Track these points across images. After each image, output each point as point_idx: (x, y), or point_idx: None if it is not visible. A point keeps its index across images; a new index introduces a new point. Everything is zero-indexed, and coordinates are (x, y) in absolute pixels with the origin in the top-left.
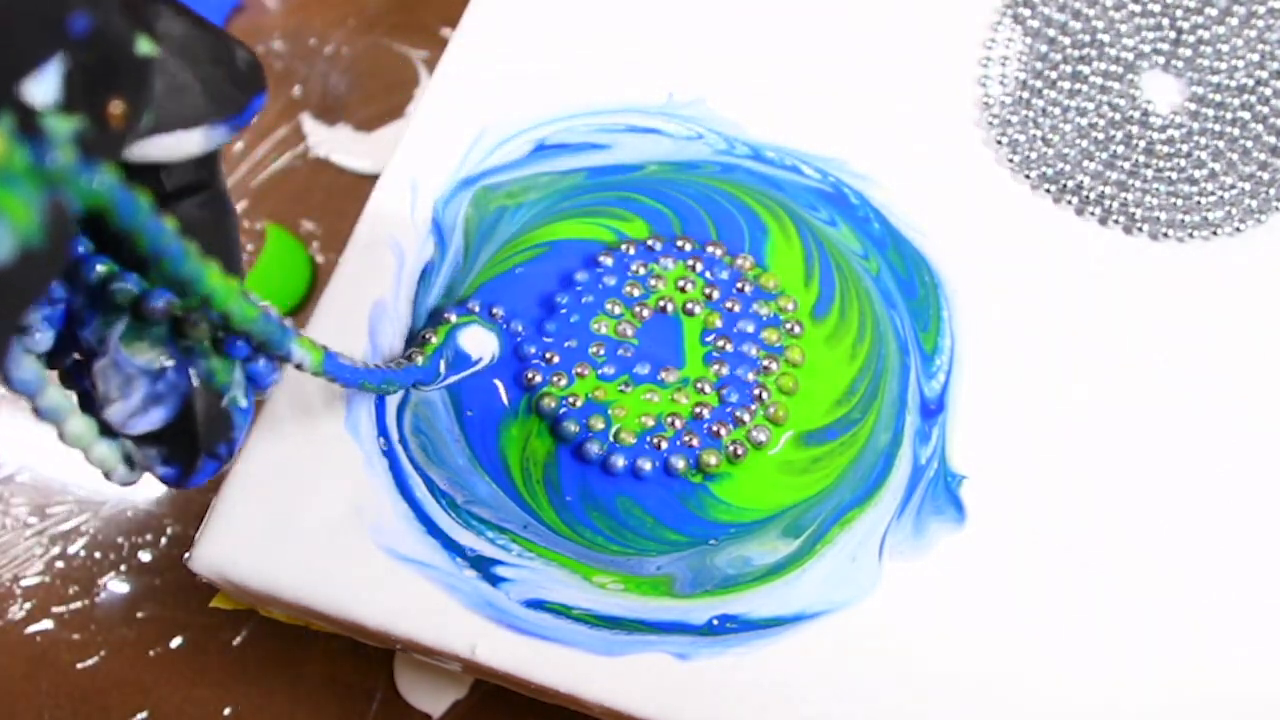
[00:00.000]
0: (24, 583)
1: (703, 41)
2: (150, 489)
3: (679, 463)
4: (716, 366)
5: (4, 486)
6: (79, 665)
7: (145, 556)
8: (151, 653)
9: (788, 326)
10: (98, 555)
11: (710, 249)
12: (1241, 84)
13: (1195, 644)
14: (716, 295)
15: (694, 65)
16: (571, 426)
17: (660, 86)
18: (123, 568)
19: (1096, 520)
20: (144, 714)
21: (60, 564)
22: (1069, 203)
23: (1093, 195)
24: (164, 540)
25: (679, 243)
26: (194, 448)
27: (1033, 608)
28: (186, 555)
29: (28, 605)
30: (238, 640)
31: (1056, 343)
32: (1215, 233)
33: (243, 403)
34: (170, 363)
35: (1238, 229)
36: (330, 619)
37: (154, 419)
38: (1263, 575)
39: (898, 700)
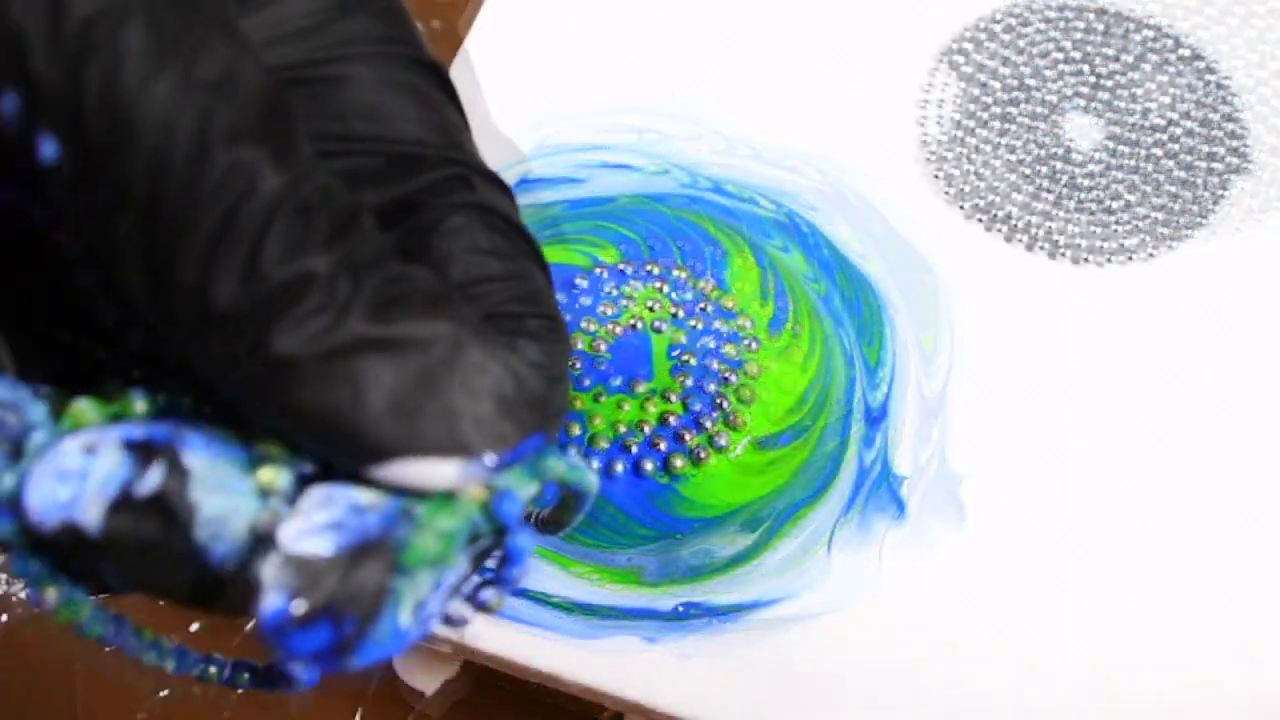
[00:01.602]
0: None
1: (664, 90)
2: None
3: (648, 465)
4: (682, 378)
5: None
6: (106, 648)
7: None
8: (172, 635)
9: (746, 343)
10: None
11: (676, 272)
12: (1154, 124)
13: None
14: (682, 314)
15: (658, 110)
16: None
17: (628, 128)
18: None
19: (1030, 514)
20: (166, 692)
21: None
22: (999, 231)
23: (1020, 224)
24: None
25: (648, 267)
26: (327, 595)
27: (967, 595)
28: None
29: None
30: (250, 625)
31: (988, 356)
32: (1131, 258)
33: (404, 621)
34: (384, 506)
35: (1151, 254)
36: None
37: (317, 544)
38: (1228, 569)
39: (843, 677)
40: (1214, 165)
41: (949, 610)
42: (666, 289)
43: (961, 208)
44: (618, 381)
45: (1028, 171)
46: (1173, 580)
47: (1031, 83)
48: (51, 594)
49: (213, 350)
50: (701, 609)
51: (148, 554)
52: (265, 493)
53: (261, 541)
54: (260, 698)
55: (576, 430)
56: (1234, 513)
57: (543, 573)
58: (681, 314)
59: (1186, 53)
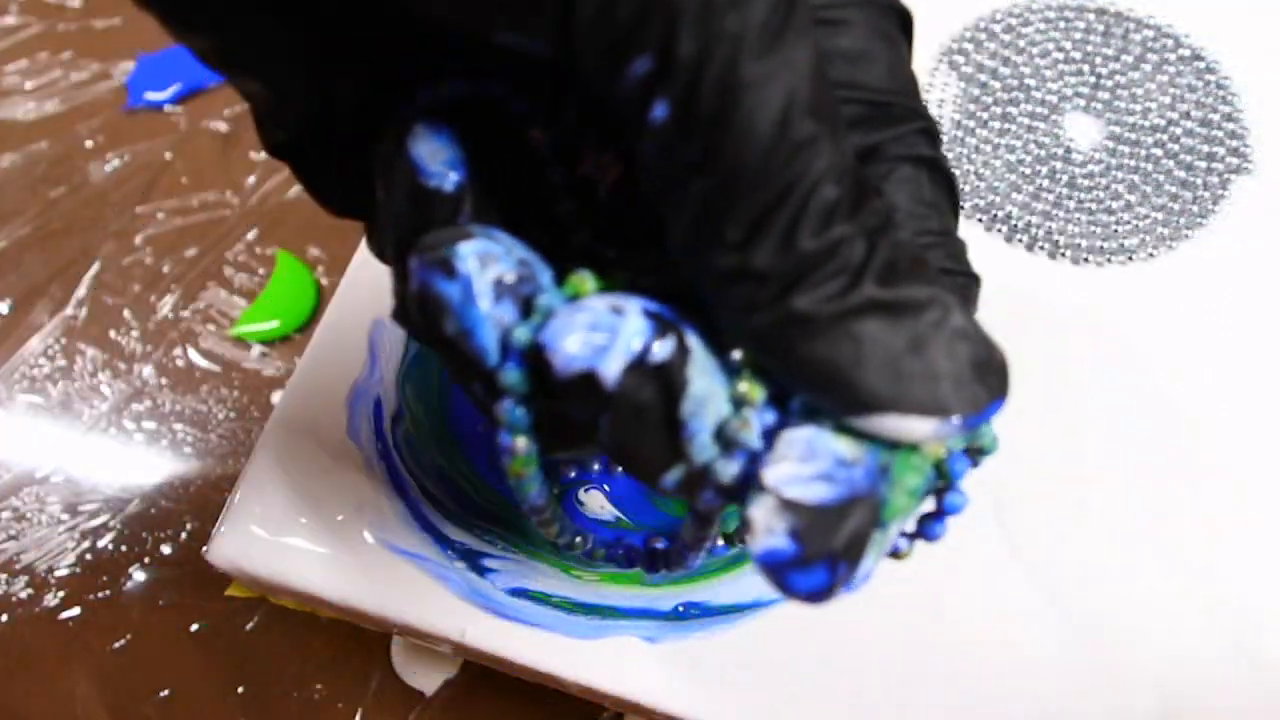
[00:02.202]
0: (57, 573)
1: None
2: (170, 490)
3: None
4: None
5: (39, 487)
6: (107, 648)
7: (167, 550)
8: (172, 636)
9: None
10: (124, 549)
11: None
12: (1154, 124)
13: (1148, 632)
14: None
15: None
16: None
17: None
18: (146, 560)
19: (1025, 514)
20: (166, 691)
21: (90, 556)
22: (999, 230)
23: (1020, 224)
24: (184, 535)
25: None
26: (827, 543)
27: (964, 594)
28: (204, 548)
29: (61, 594)
30: (250, 625)
31: None
32: (1131, 258)
33: (893, 545)
34: (865, 461)
35: (1151, 255)
36: (334, 606)
37: (813, 492)
38: (1228, 569)
39: (843, 676)
40: (1214, 165)
41: (951, 611)
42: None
43: (962, 208)
44: None
45: (1028, 171)
46: (1173, 581)
47: (1031, 83)
48: (522, 442)
49: (734, 297)
50: (701, 609)
51: (639, 417)
52: (739, 401)
53: (726, 444)
54: (260, 697)
55: None
56: (1233, 512)
57: (543, 573)
58: None
59: (1186, 53)
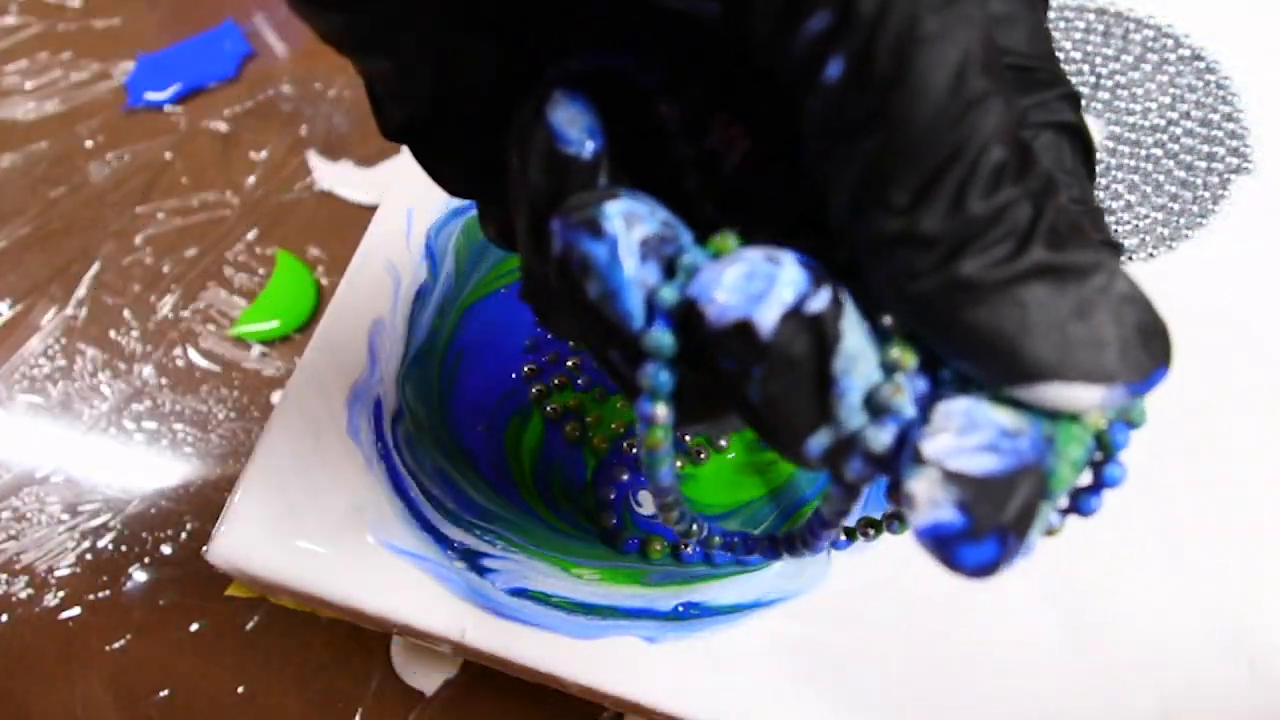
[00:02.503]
0: (57, 573)
1: None
2: (170, 490)
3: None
4: None
5: (39, 487)
6: (107, 648)
7: (167, 549)
8: (173, 637)
9: None
10: (124, 548)
11: None
12: (1154, 124)
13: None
14: None
15: None
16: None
17: None
18: (146, 560)
19: None
20: (166, 691)
21: (90, 556)
22: None
23: None
24: (184, 535)
25: None
26: (997, 515)
27: (965, 595)
28: (204, 548)
29: (61, 594)
30: (250, 625)
31: None
32: (1131, 258)
33: (1051, 523)
34: (1030, 431)
35: (1151, 255)
36: (334, 606)
37: (979, 463)
38: (1227, 569)
39: (842, 677)
40: (1214, 165)
41: (951, 611)
42: None
43: None
44: None
45: None
46: (1173, 581)
47: None
48: (663, 410)
49: (896, 263)
50: (701, 609)
51: (791, 371)
52: (890, 368)
53: (876, 411)
54: (260, 697)
55: (575, 431)
56: (1233, 513)
57: (543, 573)
58: None
59: (1186, 53)
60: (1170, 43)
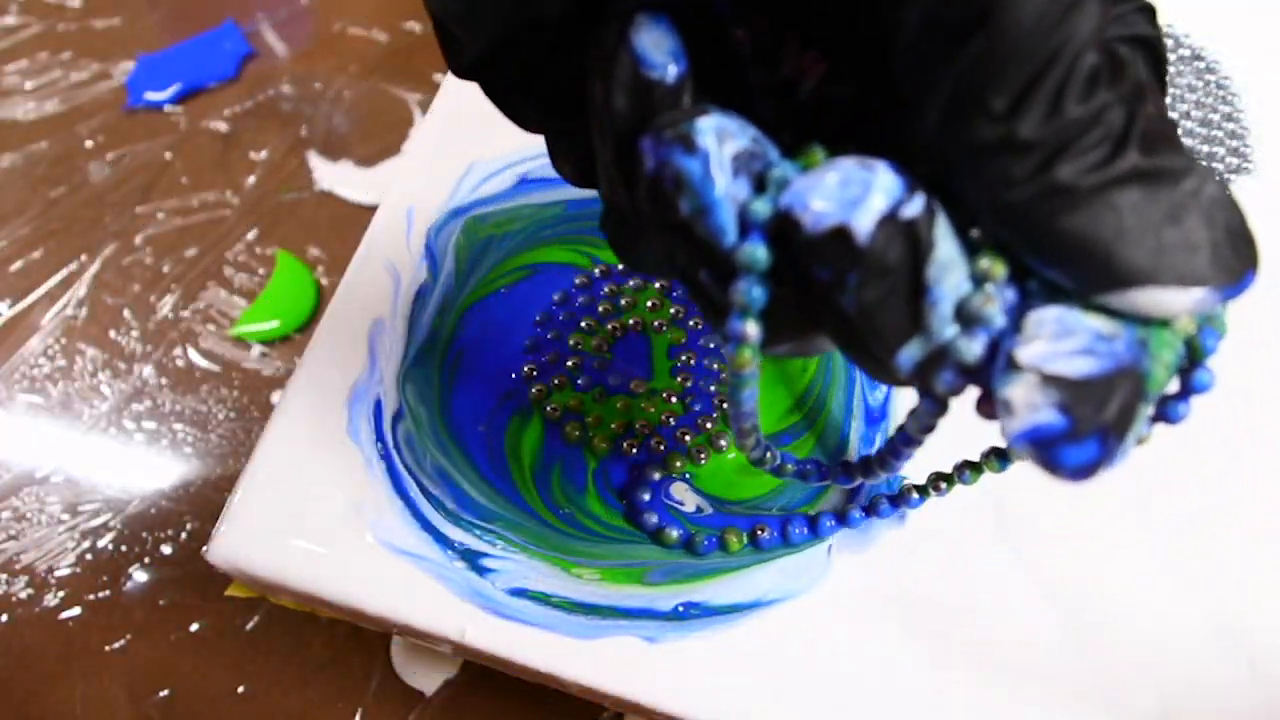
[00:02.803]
0: (57, 573)
1: None
2: (170, 490)
3: (648, 466)
4: (681, 379)
5: (39, 487)
6: (107, 648)
7: (167, 550)
8: (172, 636)
9: None
10: (124, 549)
11: None
12: None
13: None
14: (681, 314)
15: None
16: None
17: None
18: (146, 560)
19: (1025, 516)
20: (166, 691)
21: (90, 556)
22: None
23: None
24: (183, 535)
25: None
26: (1099, 415)
27: (965, 596)
28: (204, 548)
29: (61, 594)
30: (250, 625)
31: None
32: None
33: (1143, 429)
34: (1124, 334)
35: None
36: (334, 606)
37: (1076, 366)
38: (1226, 569)
39: (842, 677)
40: (1214, 165)
41: (951, 611)
42: (666, 289)
43: None
44: (617, 381)
45: None
46: (1173, 581)
47: None
48: (753, 328)
49: (993, 171)
50: (701, 609)
51: (885, 277)
52: (980, 279)
53: (967, 322)
54: (260, 697)
55: (575, 431)
56: (1233, 513)
57: (543, 573)
58: (681, 314)
59: (1186, 53)
60: (1170, 43)
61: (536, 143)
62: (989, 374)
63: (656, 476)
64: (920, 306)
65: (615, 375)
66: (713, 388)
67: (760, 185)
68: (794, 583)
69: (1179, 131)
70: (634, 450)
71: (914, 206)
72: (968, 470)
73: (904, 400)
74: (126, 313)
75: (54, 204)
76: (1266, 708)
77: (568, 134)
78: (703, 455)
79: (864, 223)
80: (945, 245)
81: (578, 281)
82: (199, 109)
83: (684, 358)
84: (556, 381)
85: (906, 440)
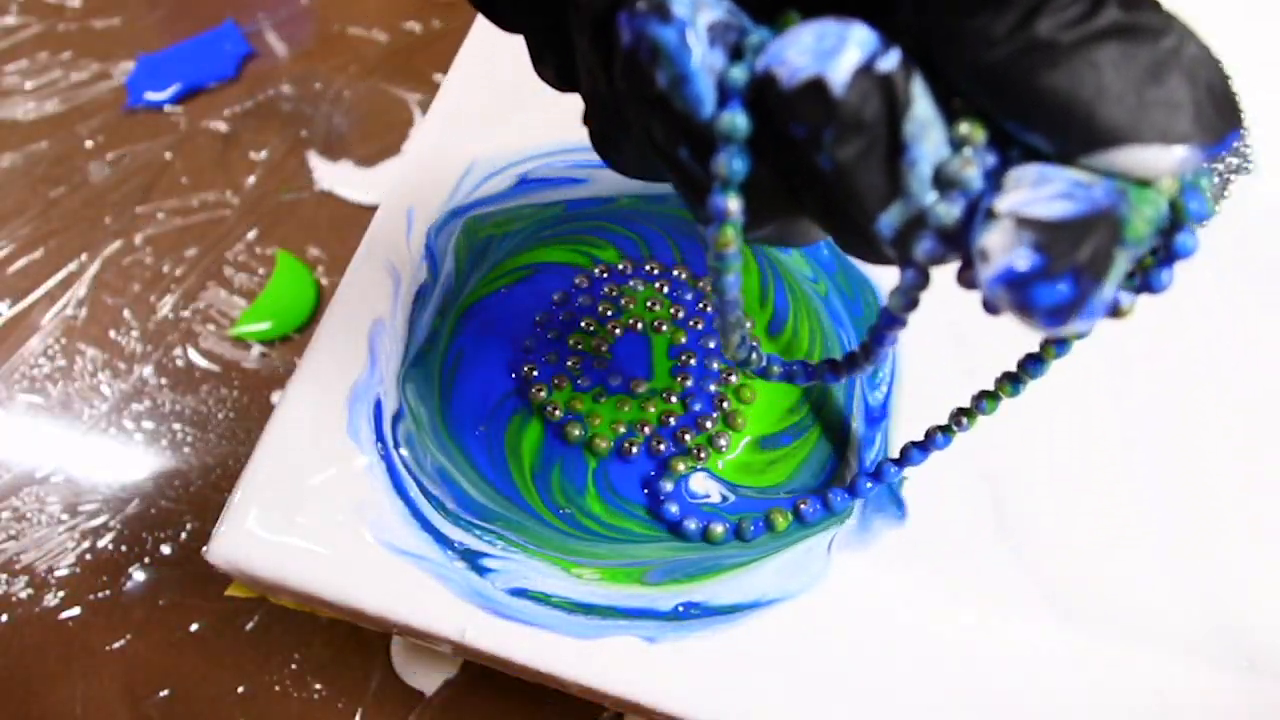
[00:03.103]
0: (57, 573)
1: None
2: (170, 490)
3: (647, 466)
4: (682, 379)
5: (39, 487)
6: (107, 648)
7: (166, 550)
8: (173, 636)
9: None
10: (124, 549)
11: (676, 272)
12: None
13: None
14: (682, 314)
15: None
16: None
17: None
18: (146, 560)
19: (1025, 516)
20: (166, 691)
21: (90, 556)
22: None
23: None
24: (183, 535)
25: (648, 267)
26: (1072, 254)
27: (966, 595)
28: (204, 548)
29: (61, 594)
30: (250, 625)
31: (986, 355)
32: None
33: (1124, 299)
34: (1103, 182)
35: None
36: (334, 606)
37: (1052, 209)
38: (1226, 569)
39: (842, 677)
40: (1214, 165)
41: (950, 611)
42: (666, 289)
43: None
44: (617, 381)
45: None
46: (1173, 580)
47: None
48: (735, 204)
49: (973, 30)
50: (701, 609)
51: (862, 132)
52: (960, 142)
53: (946, 186)
54: (260, 697)
55: (577, 431)
56: (1233, 512)
57: (543, 573)
58: (681, 314)
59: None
60: None
61: (536, 143)
62: (969, 240)
63: (669, 488)
64: (898, 167)
65: (615, 375)
66: (713, 387)
67: (737, 55)
68: (794, 583)
69: None
70: (634, 450)
71: (890, 60)
72: (985, 400)
73: (904, 400)
74: (126, 313)
75: (54, 204)
76: (1266, 707)
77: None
78: (703, 455)
79: (839, 74)
80: (923, 103)
81: (578, 281)
82: (199, 109)
83: (684, 358)
84: (557, 381)
85: (890, 320)
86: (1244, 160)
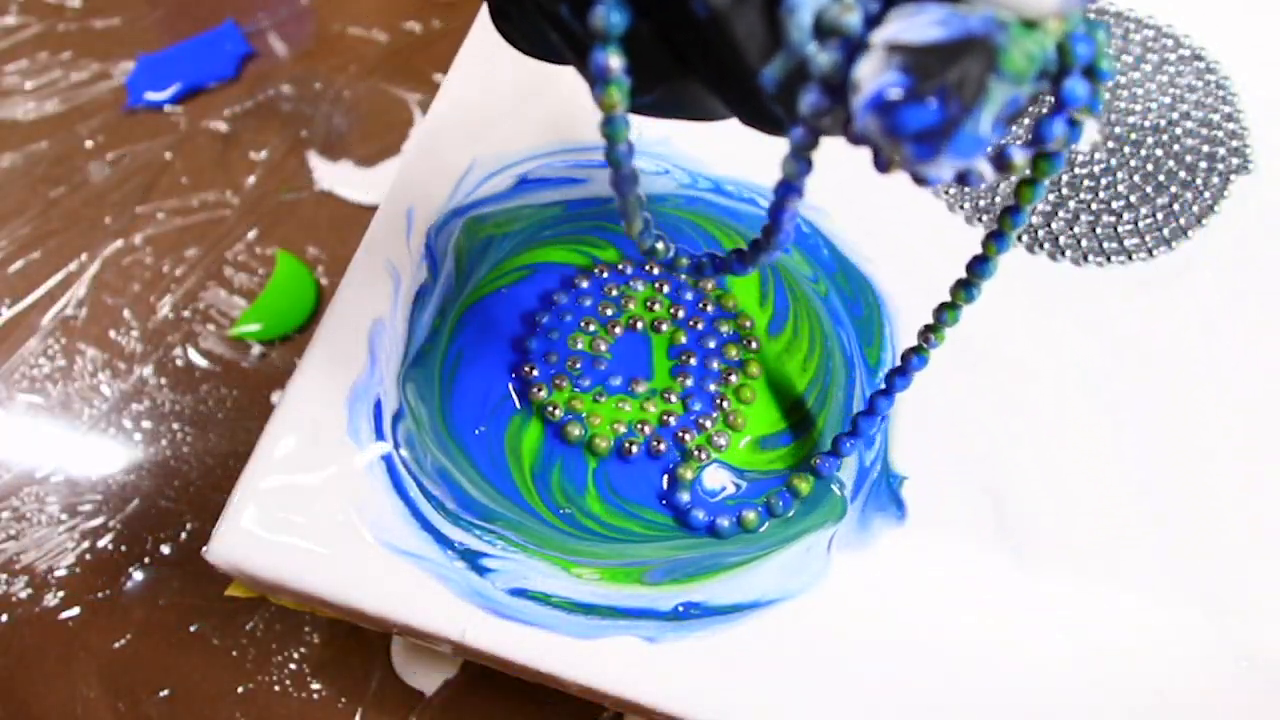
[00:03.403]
0: (57, 573)
1: None
2: (170, 490)
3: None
4: (682, 378)
5: (39, 486)
6: (107, 648)
7: (166, 550)
8: (173, 636)
9: (746, 342)
10: (124, 548)
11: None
12: (1154, 124)
13: (1147, 633)
14: (682, 314)
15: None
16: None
17: (632, 127)
18: (146, 560)
19: (1026, 516)
20: (166, 691)
21: (90, 556)
22: None
23: None
24: (183, 535)
25: (648, 267)
26: (940, 74)
27: (965, 595)
28: (204, 548)
29: (61, 594)
30: (250, 625)
31: (988, 355)
32: (1131, 258)
33: (984, 126)
34: (981, 11)
35: (1151, 255)
36: (333, 606)
37: (924, 34)
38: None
39: (842, 677)
40: (1214, 165)
41: (950, 612)
42: (666, 289)
43: (962, 208)
44: (617, 381)
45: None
46: (1173, 581)
47: None
48: (617, 61)
49: None
50: (701, 609)
51: None
52: None
53: (824, 34)
54: (260, 697)
55: (577, 431)
56: (1234, 512)
57: (543, 573)
58: (682, 314)
59: (1186, 53)
60: (1170, 43)
61: (536, 143)
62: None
63: (686, 498)
64: (777, 15)
65: (615, 375)
66: (713, 387)
67: None
68: (794, 582)
69: (1180, 131)
70: (634, 450)
71: None
72: (945, 311)
73: (902, 403)
74: (126, 313)
75: (54, 204)
76: (1266, 707)
77: None
78: (704, 455)
79: None
80: None
81: (578, 281)
82: (199, 109)
83: (684, 357)
84: (557, 381)
85: (786, 189)
86: (1244, 160)
